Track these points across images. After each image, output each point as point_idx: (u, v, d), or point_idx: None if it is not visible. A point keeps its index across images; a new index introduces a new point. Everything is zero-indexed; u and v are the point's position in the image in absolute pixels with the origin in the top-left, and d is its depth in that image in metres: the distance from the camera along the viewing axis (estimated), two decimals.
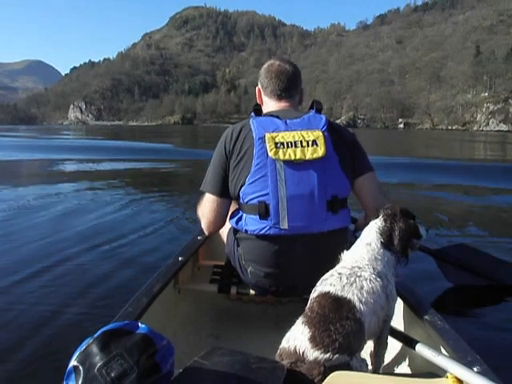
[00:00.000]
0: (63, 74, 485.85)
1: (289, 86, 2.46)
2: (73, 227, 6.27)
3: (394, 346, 1.97)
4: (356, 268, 1.80)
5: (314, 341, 1.55)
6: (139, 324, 1.37)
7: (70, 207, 7.79)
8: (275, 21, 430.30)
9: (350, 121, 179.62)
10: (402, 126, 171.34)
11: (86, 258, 4.91)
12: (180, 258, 2.67)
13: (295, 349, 1.57)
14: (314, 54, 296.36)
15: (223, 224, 2.51)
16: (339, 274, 1.78)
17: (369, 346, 1.92)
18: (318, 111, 2.32)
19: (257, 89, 2.58)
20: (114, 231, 6.06)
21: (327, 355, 1.52)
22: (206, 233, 2.58)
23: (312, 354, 1.54)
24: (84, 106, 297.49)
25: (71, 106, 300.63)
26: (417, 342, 1.81)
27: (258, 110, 2.34)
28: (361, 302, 1.67)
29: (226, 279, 2.66)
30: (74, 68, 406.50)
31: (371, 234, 1.94)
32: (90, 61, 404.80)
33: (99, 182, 10.98)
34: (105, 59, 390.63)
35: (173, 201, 8.61)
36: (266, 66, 2.54)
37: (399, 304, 2.11)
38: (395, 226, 1.91)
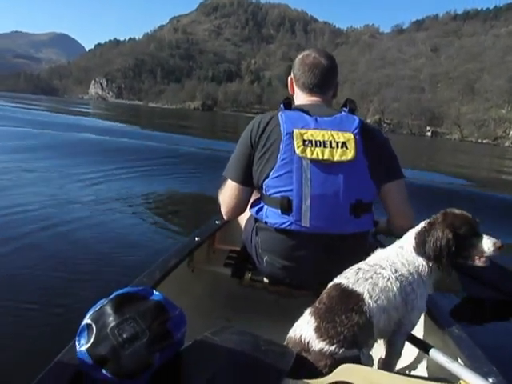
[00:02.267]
0: (87, 50, 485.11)
1: (322, 82, 2.41)
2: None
3: (406, 349, 1.95)
4: (377, 266, 1.78)
5: (319, 331, 1.57)
6: (154, 291, 1.39)
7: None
8: (307, 16, 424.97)
9: (375, 124, 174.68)
10: (429, 134, 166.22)
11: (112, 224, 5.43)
12: (196, 239, 2.71)
13: (301, 338, 1.59)
14: (345, 53, 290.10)
15: (243, 211, 2.51)
16: (358, 268, 1.78)
17: (379, 350, 1.92)
18: (352, 111, 2.27)
19: (289, 78, 2.54)
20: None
21: (332, 347, 1.53)
22: (225, 218, 2.57)
23: (317, 344, 1.55)
24: (105, 83, 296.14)
25: (92, 81, 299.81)
26: (431, 346, 1.79)
27: (287, 104, 2.28)
28: (370, 296, 1.66)
29: (241, 264, 2.65)
30: (99, 44, 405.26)
31: (407, 238, 1.90)
32: (115, 39, 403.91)
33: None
34: (130, 39, 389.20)
35: None
36: (301, 56, 2.49)
37: None
38: (430, 234, 1.81)
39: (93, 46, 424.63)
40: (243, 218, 2.64)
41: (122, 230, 5.43)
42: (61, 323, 2.95)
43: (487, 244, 1.79)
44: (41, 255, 4.17)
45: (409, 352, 2.07)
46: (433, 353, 1.75)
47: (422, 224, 1.88)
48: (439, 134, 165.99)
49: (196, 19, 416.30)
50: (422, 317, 2.10)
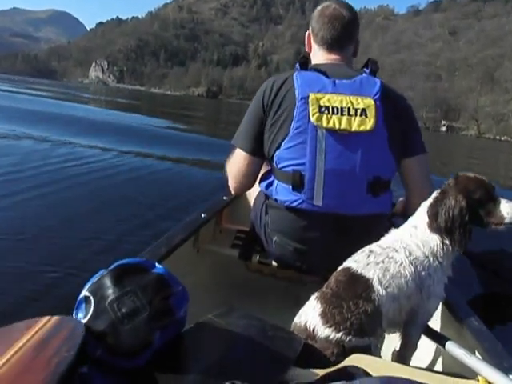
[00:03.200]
0: (88, 29, 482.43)
1: (342, 35, 2.27)
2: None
3: (421, 341, 1.87)
4: (390, 249, 1.69)
5: (325, 317, 1.53)
6: (156, 264, 1.37)
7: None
8: None
9: None
10: (444, 129, 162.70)
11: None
12: (203, 215, 2.64)
13: (306, 325, 1.56)
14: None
15: (252, 185, 2.42)
16: (370, 251, 1.71)
17: (392, 342, 1.89)
18: (373, 73, 2.13)
19: (307, 34, 2.42)
20: None
21: (339, 334, 1.49)
22: (233, 192, 2.49)
23: (323, 331, 1.51)
24: (106, 66, 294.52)
25: (93, 63, 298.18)
26: (447, 339, 1.74)
27: (303, 63, 2.16)
28: (380, 283, 1.59)
29: (249, 245, 2.57)
30: (101, 23, 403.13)
31: (419, 215, 1.79)
32: (117, 17, 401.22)
33: None
34: (133, 17, 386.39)
35: None
36: (319, 8, 2.36)
37: None
38: (443, 203, 1.70)
39: (94, 25, 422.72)
40: (252, 195, 2.57)
41: (122, 205, 5.77)
42: (59, 295, 2.92)
43: (506, 209, 1.70)
44: (42, 221, 4.46)
45: (424, 344, 1.96)
46: (449, 346, 1.70)
47: (434, 194, 1.78)
48: (455, 129, 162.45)
49: None
50: (439, 307, 2.03)
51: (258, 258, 2.49)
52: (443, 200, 1.70)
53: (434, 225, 1.70)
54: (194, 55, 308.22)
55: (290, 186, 2.04)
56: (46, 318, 1.18)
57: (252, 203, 2.58)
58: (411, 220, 1.80)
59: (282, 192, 2.09)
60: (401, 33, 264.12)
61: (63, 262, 3.54)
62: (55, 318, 1.19)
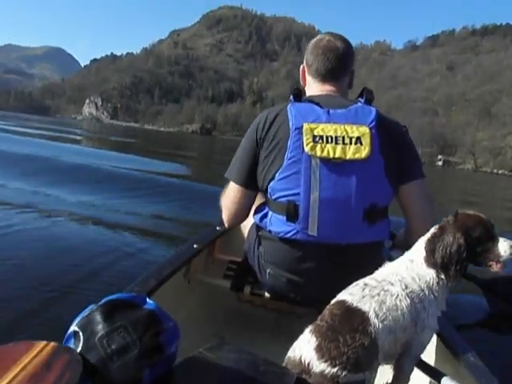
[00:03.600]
0: (82, 66, 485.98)
1: (336, 67, 2.29)
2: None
3: (415, 376, 1.87)
4: (386, 282, 1.70)
5: (321, 351, 1.53)
6: (147, 299, 1.37)
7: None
8: (314, 31, 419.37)
9: None
10: (440, 163, 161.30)
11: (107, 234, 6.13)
12: (195, 246, 2.64)
13: (301, 359, 1.55)
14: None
15: (246, 217, 2.44)
16: (365, 284, 1.71)
17: (386, 374, 1.88)
18: (368, 102, 2.15)
19: (301, 67, 2.45)
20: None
21: (334, 369, 1.49)
22: (226, 225, 2.50)
23: (318, 365, 1.51)
24: (100, 103, 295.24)
25: (87, 100, 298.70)
26: (443, 374, 1.74)
27: (297, 95, 2.19)
28: (377, 316, 1.60)
29: (241, 276, 2.57)
30: (95, 60, 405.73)
31: (417, 249, 1.80)
32: (112, 54, 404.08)
33: None
34: (128, 53, 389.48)
35: None
36: (314, 40, 2.40)
37: None
38: (440, 239, 1.72)
39: (88, 62, 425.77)
40: (246, 226, 2.58)
41: (113, 242, 5.81)
42: (47, 330, 2.90)
43: (504, 247, 1.72)
44: (30, 260, 4.51)
45: (418, 378, 1.96)
46: (445, 382, 1.70)
47: (432, 230, 1.80)
48: (451, 163, 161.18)
49: (197, 33, 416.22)
50: (434, 340, 2.05)
51: (250, 289, 2.49)
52: (441, 236, 1.71)
53: (431, 260, 1.71)
54: (188, 92, 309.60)
55: (285, 217, 2.05)
56: (43, 343, 1.17)
57: (246, 234, 2.58)
58: (408, 254, 1.82)
59: (276, 223, 2.10)
60: (398, 68, 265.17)
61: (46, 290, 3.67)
62: (53, 344, 1.19)
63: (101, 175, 12.19)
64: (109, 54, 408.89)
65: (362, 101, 2.15)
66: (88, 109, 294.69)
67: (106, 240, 5.84)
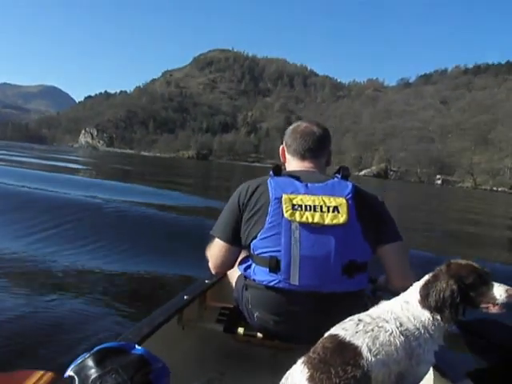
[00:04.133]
0: (77, 102, 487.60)
1: (313, 147, 2.48)
2: None
3: None
4: (380, 319, 1.74)
5: (313, 381, 1.54)
6: (136, 346, 1.43)
7: None
8: (307, 71, 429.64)
9: (381, 171, 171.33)
10: (439, 182, 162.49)
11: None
12: (185, 297, 2.77)
13: None
14: (347, 105, 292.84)
15: (230, 268, 2.62)
16: (359, 320, 1.75)
17: None
18: (345, 177, 2.31)
19: (281, 148, 2.65)
20: None
21: None
22: (213, 272, 2.66)
23: None
24: (95, 133, 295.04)
25: (83, 131, 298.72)
26: None
27: (276, 170, 2.36)
28: (370, 351, 1.62)
29: (234, 319, 2.70)
30: (89, 97, 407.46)
31: (411, 292, 1.87)
32: (105, 92, 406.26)
33: None
34: (121, 91, 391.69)
35: None
36: (292, 127, 2.62)
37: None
38: (434, 285, 1.79)
39: (83, 99, 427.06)
40: (233, 276, 2.71)
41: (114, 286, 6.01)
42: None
43: (499, 291, 1.77)
44: (17, 315, 4.33)
45: None
46: None
47: (426, 277, 1.87)
48: (450, 182, 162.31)
49: (189, 73, 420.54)
50: (431, 373, 2.09)
51: (243, 331, 2.60)
52: (434, 283, 1.78)
53: (426, 303, 1.76)
54: (183, 124, 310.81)
55: (267, 269, 2.17)
56: (41, 372, 1.20)
57: (234, 282, 2.71)
58: (403, 296, 1.87)
59: (260, 273, 2.23)
60: (391, 103, 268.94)
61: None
62: (51, 373, 1.22)
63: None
64: (103, 92, 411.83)
65: (339, 176, 2.30)
66: (84, 138, 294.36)
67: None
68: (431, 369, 2.01)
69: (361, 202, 2.20)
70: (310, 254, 2.09)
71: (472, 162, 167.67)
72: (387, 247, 2.31)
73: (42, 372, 1.21)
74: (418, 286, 1.85)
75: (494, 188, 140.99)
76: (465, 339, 3.56)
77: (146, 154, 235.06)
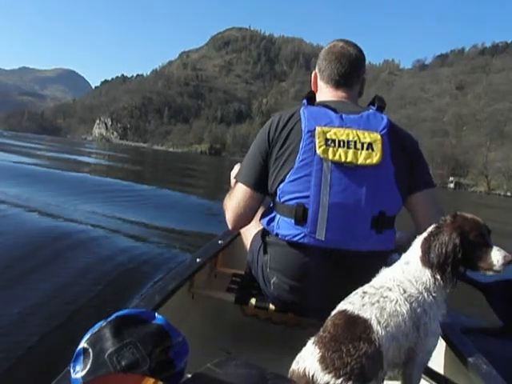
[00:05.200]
0: (93, 87, 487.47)
1: (350, 72, 2.30)
2: None
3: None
4: (384, 288, 1.69)
5: (324, 362, 1.51)
6: (156, 314, 1.35)
7: None
8: None
9: None
10: (452, 185, 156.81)
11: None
12: (198, 260, 2.65)
13: (305, 371, 1.53)
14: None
15: (250, 220, 2.40)
16: (364, 292, 1.71)
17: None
18: (380, 109, 2.17)
19: (313, 73, 2.46)
20: None
21: (339, 380, 1.46)
22: (230, 227, 2.43)
23: (322, 377, 1.48)
24: (110, 123, 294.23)
25: (97, 121, 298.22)
26: (453, 382, 1.71)
27: (311, 98, 2.19)
28: (379, 323, 1.58)
29: (245, 289, 2.59)
30: (106, 81, 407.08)
31: (413, 250, 1.79)
32: (122, 75, 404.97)
33: None
34: (138, 75, 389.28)
35: None
36: (327, 47, 2.40)
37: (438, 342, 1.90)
38: (436, 238, 1.71)
39: (99, 83, 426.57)
40: (248, 238, 2.59)
41: (119, 253, 5.73)
42: (55, 347, 2.94)
43: (496, 256, 1.70)
44: (36, 276, 4.44)
45: None
46: None
47: (430, 229, 1.79)
48: (463, 185, 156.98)
49: (206, 54, 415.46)
50: (443, 348, 2.03)
51: (254, 302, 2.47)
52: (437, 235, 1.71)
53: (426, 258, 1.70)
54: (197, 112, 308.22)
55: (293, 220, 2.03)
56: (151, 380, 1.15)
57: (248, 246, 2.58)
58: (404, 256, 1.80)
59: (284, 226, 2.09)
60: (406, 88, 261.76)
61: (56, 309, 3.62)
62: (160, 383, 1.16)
63: None
64: (119, 75, 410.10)
65: (374, 108, 2.16)
66: (98, 129, 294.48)
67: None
68: (443, 344, 1.97)
69: (395, 140, 2.08)
70: (340, 200, 1.97)
71: (487, 161, 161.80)
72: (420, 195, 2.18)
73: (152, 380, 1.14)
74: (419, 239, 1.79)
75: (509, 193, 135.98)
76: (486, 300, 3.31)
77: (158, 148, 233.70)
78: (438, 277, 1.67)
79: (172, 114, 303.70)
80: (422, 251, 1.72)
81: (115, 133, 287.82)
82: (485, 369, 1.77)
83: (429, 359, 1.75)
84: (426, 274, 1.69)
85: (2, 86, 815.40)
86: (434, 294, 1.68)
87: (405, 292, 1.66)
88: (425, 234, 1.77)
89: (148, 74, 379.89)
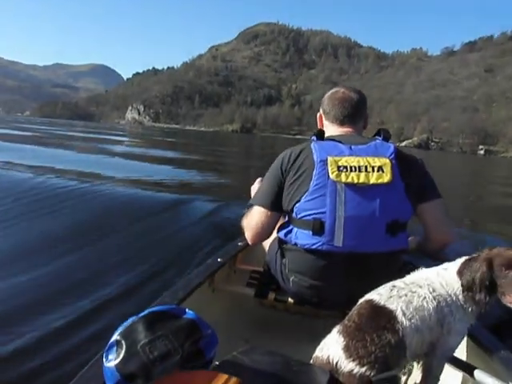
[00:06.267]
0: (125, 79, 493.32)
1: (353, 113, 2.47)
2: None
3: (446, 371, 1.85)
4: (414, 284, 1.74)
5: (348, 351, 1.53)
6: (186, 310, 1.41)
7: None
8: (350, 42, 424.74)
9: (421, 142, 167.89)
10: (482, 152, 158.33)
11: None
12: (219, 259, 2.79)
13: (328, 358, 1.56)
14: (390, 75, 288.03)
15: (268, 236, 2.52)
16: (393, 286, 1.74)
17: (413, 375, 1.89)
18: (386, 140, 2.30)
19: (318, 115, 2.63)
20: None
21: (363, 369, 1.49)
22: (250, 243, 2.55)
23: (346, 365, 1.51)
24: (142, 109, 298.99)
25: (129, 107, 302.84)
26: (474, 367, 1.75)
27: (320, 135, 2.33)
28: (404, 314, 1.61)
29: (264, 284, 2.67)
30: (137, 74, 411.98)
31: (455, 262, 1.84)
32: (153, 68, 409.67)
33: None
34: (168, 68, 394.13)
35: None
36: (329, 93, 2.58)
37: None
38: (471, 264, 1.75)
39: (131, 75, 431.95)
40: (267, 241, 2.66)
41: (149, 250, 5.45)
42: (87, 340, 3.01)
43: None
44: (69, 271, 4.34)
45: (450, 374, 1.99)
46: (478, 374, 1.69)
47: (474, 255, 1.82)
48: (493, 152, 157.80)
49: (235, 47, 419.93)
50: (465, 339, 2.07)
51: (273, 295, 2.57)
52: (473, 261, 1.76)
53: (460, 277, 1.76)
54: (228, 98, 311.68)
55: (310, 232, 2.12)
56: (225, 376, 1.21)
57: (267, 248, 2.68)
58: (445, 264, 1.86)
59: (302, 237, 2.17)
60: (435, 72, 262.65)
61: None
62: (234, 379, 1.22)
63: None
64: (150, 68, 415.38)
65: (380, 138, 2.29)
66: (131, 114, 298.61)
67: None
68: (465, 338, 2.01)
69: (403, 163, 2.20)
70: (355, 213, 2.07)
71: None
72: (428, 205, 2.30)
73: (226, 376, 1.19)
74: (463, 258, 1.83)
75: None
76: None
77: (190, 128, 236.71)
78: (466, 293, 1.72)
79: (203, 99, 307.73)
80: (459, 268, 1.78)
81: (147, 117, 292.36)
82: (505, 355, 1.82)
83: (451, 355, 1.79)
84: (458, 283, 1.74)
85: (36, 80, 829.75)
86: (461, 302, 1.72)
87: (434, 291, 1.71)
88: (467, 257, 1.83)
89: (178, 66, 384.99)
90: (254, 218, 2.42)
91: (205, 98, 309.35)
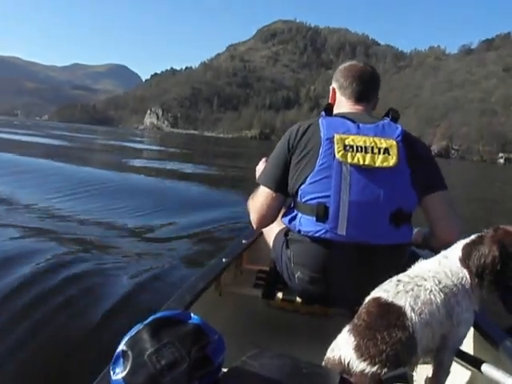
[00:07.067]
0: (144, 80, 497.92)
1: (370, 90, 2.44)
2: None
3: (454, 365, 1.84)
4: (419, 278, 1.72)
5: (360, 350, 1.52)
6: (191, 314, 1.39)
7: None
8: (368, 40, 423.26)
9: (442, 150, 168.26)
10: (502, 161, 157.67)
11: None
12: (224, 260, 2.71)
13: (340, 359, 1.54)
14: (408, 76, 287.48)
15: (274, 219, 2.48)
16: (398, 281, 1.72)
17: (424, 369, 1.88)
18: (394, 120, 2.27)
19: (331, 88, 2.55)
20: None
21: (375, 368, 1.48)
22: (255, 226, 2.52)
23: (358, 365, 1.50)
24: (161, 113, 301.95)
25: (148, 111, 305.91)
26: (482, 361, 1.73)
27: (328, 110, 2.32)
28: (413, 310, 1.59)
29: (272, 284, 2.64)
30: (155, 74, 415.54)
31: (454, 248, 1.82)
32: (171, 68, 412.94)
33: None
34: (187, 68, 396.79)
35: None
36: (346, 65, 2.51)
37: None
38: (477, 248, 1.72)
39: (149, 76, 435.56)
40: (271, 235, 2.66)
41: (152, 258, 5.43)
42: (94, 351, 2.96)
43: None
44: (72, 280, 4.22)
45: (458, 369, 1.95)
46: (485, 368, 1.69)
47: (472, 237, 1.81)
48: None
49: (253, 46, 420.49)
50: (471, 332, 2.05)
51: (281, 295, 2.53)
52: (478, 245, 1.72)
53: (466, 262, 1.72)
54: (246, 100, 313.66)
55: (314, 218, 2.11)
56: None
57: (271, 243, 2.66)
58: (444, 252, 1.84)
59: (306, 223, 2.16)
60: (453, 72, 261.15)
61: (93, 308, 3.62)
62: None
63: None
64: (168, 68, 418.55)
65: (389, 119, 2.26)
66: (149, 119, 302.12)
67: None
68: (472, 330, 1.99)
69: (410, 146, 2.17)
70: (360, 198, 2.05)
71: None
72: (434, 196, 2.26)
73: None
74: (461, 243, 1.80)
75: None
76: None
77: (209, 134, 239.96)
78: (476, 279, 1.69)
79: (221, 102, 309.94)
80: (463, 254, 1.74)
81: (166, 121, 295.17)
82: (510, 346, 1.82)
83: (460, 346, 1.79)
84: (462, 271, 1.72)
85: (55, 81, 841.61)
86: (468, 291, 1.71)
87: (440, 283, 1.69)
88: (467, 240, 1.79)
89: (196, 66, 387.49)
90: (259, 200, 2.40)
91: (223, 101, 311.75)
